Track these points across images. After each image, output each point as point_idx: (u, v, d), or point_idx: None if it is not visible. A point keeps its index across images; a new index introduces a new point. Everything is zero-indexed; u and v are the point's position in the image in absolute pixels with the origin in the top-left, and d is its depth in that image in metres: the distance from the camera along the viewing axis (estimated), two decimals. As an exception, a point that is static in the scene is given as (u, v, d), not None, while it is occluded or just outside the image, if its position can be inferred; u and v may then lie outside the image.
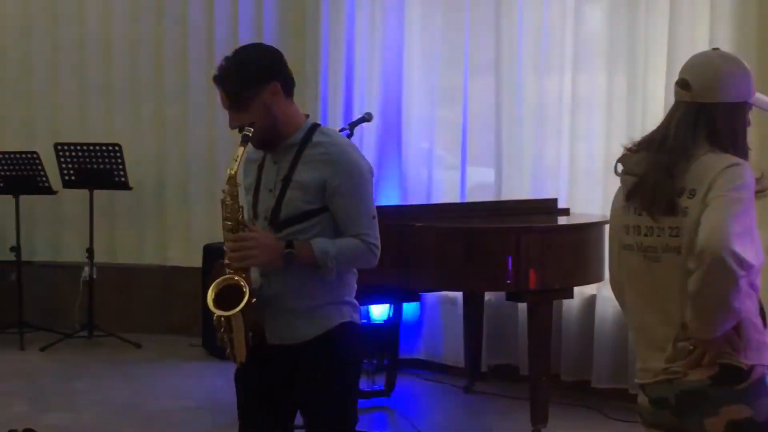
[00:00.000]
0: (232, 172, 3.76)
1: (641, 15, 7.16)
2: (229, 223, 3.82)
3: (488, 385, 7.58)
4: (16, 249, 9.13)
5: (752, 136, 3.43)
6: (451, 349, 7.95)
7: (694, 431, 3.23)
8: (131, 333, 9.05)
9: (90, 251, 9.15)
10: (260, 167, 3.99)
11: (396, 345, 7.40)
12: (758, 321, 3.20)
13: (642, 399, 3.42)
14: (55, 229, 9.85)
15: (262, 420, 4.01)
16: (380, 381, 7.33)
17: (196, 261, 8.73)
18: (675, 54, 6.81)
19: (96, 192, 9.13)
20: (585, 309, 7.37)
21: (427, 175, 8.27)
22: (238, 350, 3.84)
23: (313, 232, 3.82)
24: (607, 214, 6.50)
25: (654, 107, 6.97)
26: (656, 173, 3.23)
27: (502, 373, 7.76)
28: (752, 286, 3.12)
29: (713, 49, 3.48)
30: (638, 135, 6.92)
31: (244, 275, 3.78)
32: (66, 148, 9.07)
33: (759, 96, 3.33)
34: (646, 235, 3.27)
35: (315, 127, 3.94)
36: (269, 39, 8.93)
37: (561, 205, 7.14)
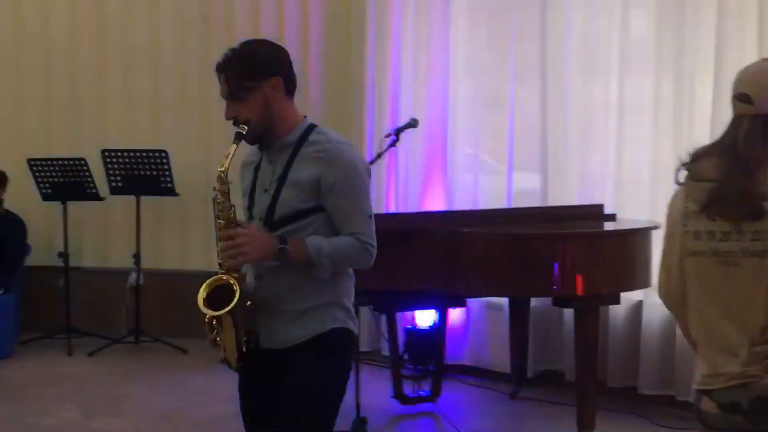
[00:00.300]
0: (223, 169, 3.73)
1: (688, 19, 7.07)
2: (221, 221, 3.77)
3: (534, 391, 7.55)
4: (64, 255, 9.22)
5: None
6: (497, 354, 7.93)
7: None
8: (178, 338, 9.07)
9: (137, 257, 9.22)
10: (256, 169, 3.95)
11: (442, 351, 7.38)
12: None
13: (708, 405, 3.38)
14: (103, 235, 9.93)
15: None
16: (426, 387, 7.33)
17: (242, 266, 8.72)
18: (722, 59, 6.74)
19: (143, 198, 9.19)
20: (632, 315, 7.33)
21: (473, 181, 8.27)
22: (229, 354, 3.81)
23: (308, 232, 3.75)
24: (654, 219, 6.53)
25: (701, 112, 6.88)
26: (738, 178, 3.22)
27: (548, 379, 7.74)
28: None
29: (763, 59, 3.46)
30: (685, 141, 6.89)
31: (236, 276, 3.72)
32: (113, 154, 9.14)
33: None
34: (721, 240, 3.25)
35: (312, 127, 3.88)
36: (315, 47, 9.00)
37: (607, 211, 7.11)
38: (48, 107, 10.00)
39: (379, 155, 6.47)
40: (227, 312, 3.69)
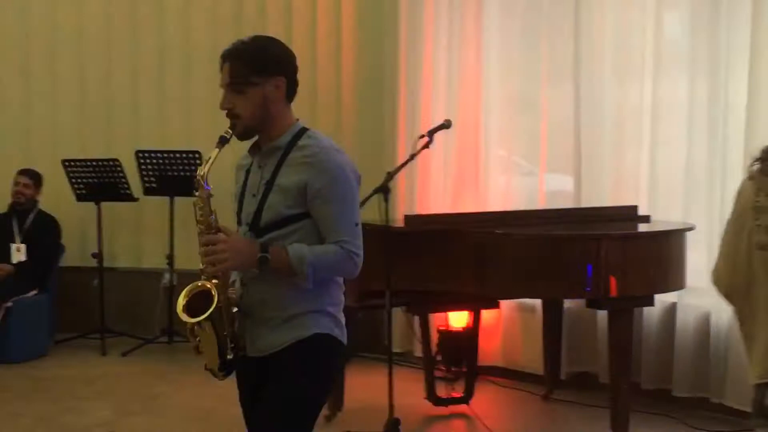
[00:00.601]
0: (202, 174, 3.71)
1: (722, 20, 7.01)
2: (202, 226, 3.70)
3: (567, 392, 7.54)
4: (98, 255, 9.27)
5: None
6: (530, 356, 7.92)
7: None
8: (210, 339, 9.08)
9: (170, 257, 9.26)
10: (247, 172, 3.91)
11: (475, 352, 7.38)
12: None
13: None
14: (136, 235, 9.99)
15: None
16: (459, 388, 7.32)
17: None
18: (757, 60, 6.71)
19: (176, 199, 9.22)
20: (665, 317, 7.29)
21: (506, 183, 8.26)
22: (210, 361, 3.78)
23: (293, 239, 3.66)
24: (688, 221, 6.49)
25: (735, 113, 6.84)
26: None
27: (582, 381, 7.72)
28: None
29: None
30: (719, 142, 6.85)
31: (216, 282, 3.66)
32: (147, 155, 9.18)
33: None
34: None
35: (303, 131, 3.80)
36: (348, 49, 9.02)
37: (641, 212, 7.09)
38: (82, 109, 10.08)
39: (412, 156, 6.47)
40: (205, 319, 3.64)
